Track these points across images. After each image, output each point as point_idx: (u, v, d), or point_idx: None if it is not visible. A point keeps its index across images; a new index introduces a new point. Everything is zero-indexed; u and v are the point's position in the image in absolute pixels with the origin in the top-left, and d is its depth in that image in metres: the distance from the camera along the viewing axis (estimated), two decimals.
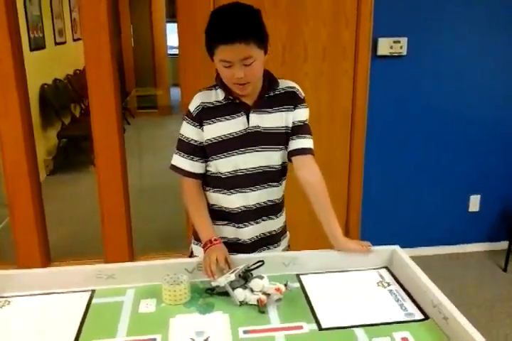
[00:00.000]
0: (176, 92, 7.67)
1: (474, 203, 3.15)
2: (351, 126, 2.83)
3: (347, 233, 2.98)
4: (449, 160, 3.05)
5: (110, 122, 2.61)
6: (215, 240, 1.40)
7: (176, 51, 8.88)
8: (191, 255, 1.61)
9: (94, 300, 1.31)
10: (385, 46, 2.74)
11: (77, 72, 5.97)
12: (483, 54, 2.89)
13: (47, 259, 2.82)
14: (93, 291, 1.35)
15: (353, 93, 2.77)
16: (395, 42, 2.74)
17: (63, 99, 5.28)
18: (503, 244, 3.15)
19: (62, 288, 1.35)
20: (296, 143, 1.45)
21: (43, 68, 4.94)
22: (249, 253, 1.49)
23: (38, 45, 4.69)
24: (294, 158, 1.46)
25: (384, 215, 3.06)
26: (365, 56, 2.72)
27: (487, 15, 2.83)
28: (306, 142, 1.46)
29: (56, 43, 5.38)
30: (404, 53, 2.78)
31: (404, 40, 2.75)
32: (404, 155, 3.00)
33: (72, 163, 5.09)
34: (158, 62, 7.56)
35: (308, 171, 1.45)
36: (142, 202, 3.74)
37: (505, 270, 3.02)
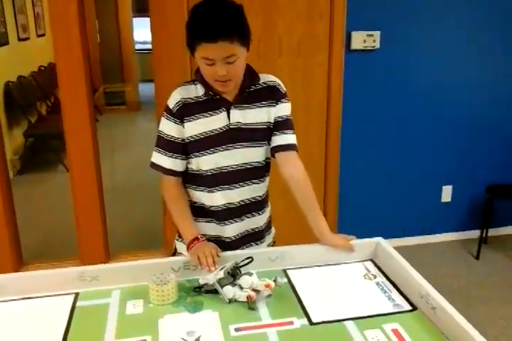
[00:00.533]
0: (144, 88, 7.55)
1: (446, 193, 3.22)
2: (326, 119, 2.85)
3: None
4: (422, 151, 3.11)
5: (82, 119, 2.54)
6: (201, 237, 1.39)
7: (142, 46, 8.76)
8: (175, 252, 1.59)
9: (78, 303, 1.28)
10: (359, 40, 2.76)
11: (42, 68, 5.79)
12: (456, 46, 2.95)
13: (19, 262, 2.74)
14: (77, 294, 1.31)
15: (327, 87, 2.78)
16: (368, 35, 2.76)
17: (29, 96, 5.12)
18: (475, 233, 3.24)
19: (43, 291, 1.31)
20: (280, 139, 1.43)
21: (7, 65, 4.78)
22: (233, 250, 1.47)
23: (0, 41, 4.53)
24: (277, 155, 1.44)
25: (360, 208, 3.10)
26: (339, 50, 2.73)
27: (460, 7, 2.88)
28: (289, 138, 1.44)
29: (19, 39, 5.21)
30: (378, 47, 2.81)
31: (377, 34, 2.78)
32: (378, 148, 3.04)
33: (40, 162, 4.95)
34: (125, 57, 7.42)
35: (292, 168, 1.43)
36: (115, 201, 3.67)
37: (477, 258, 3.10)
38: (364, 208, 3.11)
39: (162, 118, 1.43)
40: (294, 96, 2.72)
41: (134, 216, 3.61)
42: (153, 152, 1.45)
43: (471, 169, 3.21)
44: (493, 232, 3.30)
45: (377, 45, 2.79)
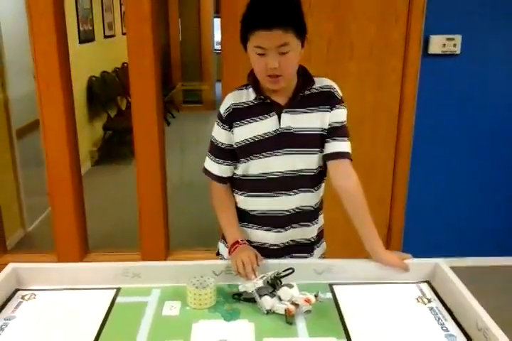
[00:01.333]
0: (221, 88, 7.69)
1: None
2: (397, 128, 2.70)
3: (388, 241, 2.86)
4: (502, 166, 2.87)
5: (150, 117, 2.59)
6: (242, 241, 1.36)
7: None
8: (218, 253, 1.58)
9: (118, 299, 1.28)
10: (438, 44, 2.59)
11: (125, 65, 6.04)
12: None
13: (85, 250, 2.85)
14: (118, 289, 1.32)
15: (400, 93, 2.64)
16: (448, 39, 2.58)
17: (110, 91, 5.37)
18: None
19: (87, 284, 1.33)
20: (332, 147, 1.36)
21: (92, 61, 5.04)
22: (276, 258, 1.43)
23: (87, 37, 4.79)
24: (328, 163, 1.37)
25: (429, 224, 2.91)
26: (416, 54, 2.58)
27: None
28: (342, 145, 1.37)
29: (105, 36, 5.48)
30: (458, 52, 2.62)
31: (458, 38, 2.59)
32: (453, 161, 2.83)
33: (116, 154, 5.17)
34: (204, 57, 7.59)
35: (344, 178, 1.36)
36: (181, 197, 3.74)
37: None
38: (433, 224, 2.91)
39: (215, 123, 1.42)
40: (362, 102, 2.65)
41: (197, 213, 3.65)
42: (206, 157, 1.46)
43: None
44: None
45: (458, 50, 2.61)
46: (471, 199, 2.91)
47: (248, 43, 1.27)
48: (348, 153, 1.38)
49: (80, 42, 4.58)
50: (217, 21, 7.62)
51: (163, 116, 2.77)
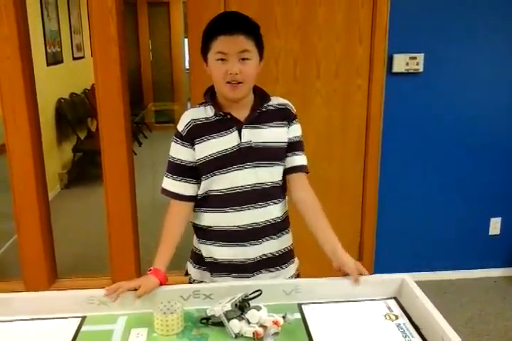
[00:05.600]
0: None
1: (495, 226, 3.01)
2: (365, 144, 2.75)
3: (360, 257, 2.88)
4: (468, 181, 2.93)
5: (119, 138, 2.58)
6: (152, 270, 1.34)
7: None
8: (186, 273, 1.56)
9: (83, 328, 1.25)
10: (401, 63, 2.66)
11: (95, 86, 6.01)
12: (503, 68, 2.79)
13: (53, 277, 2.78)
14: (83, 318, 1.29)
15: (367, 111, 2.70)
16: (411, 58, 2.66)
17: (80, 113, 5.32)
18: None
19: (51, 313, 1.29)
20: (291, 161, 1.43)
21: (60, 82, 4.99)
22: (248, 274, 1.43)
23: (55, 59, 4.75)
24: (288, 176, 1.43)
25: (400, 238, 2.94)
26: (380, 73, 2.65)
27: (508, 29, 2.74)
28: (300, 159, 1.44)
29: (74, 58, 5.45)
30: (421, 70, 2.70)
31: (420, 57, 2.68)
32: (421, 176, 2.89)
33: (86, 176, 5.09)
34: (175, 77, 7.62)
35: (302, 190, 1.42)
36: (153, 219, 3.69)
37: None
38: (404, 239, 2.95)
39: (172, 143, 1.41)
40: (330, 120, 2.70)
41: None
42: (164, 177, 1.44)
43: None
44: None
45: (421, 68, 2.69)
46: (440, 213, 2.97)
47: (209, 52, 1.31)
48: (305, 166, 1.44)
49: (48, 65, 4.54)
50: (187, 41, 7.69)
51: (132, 137, 2.76)
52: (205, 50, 1.33)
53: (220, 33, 1.28)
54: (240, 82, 1.30)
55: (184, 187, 1.41)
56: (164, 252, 1.39)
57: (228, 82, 1.30)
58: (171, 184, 1.42)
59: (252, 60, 1.30)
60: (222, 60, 1.29)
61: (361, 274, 1.33)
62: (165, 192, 1.44)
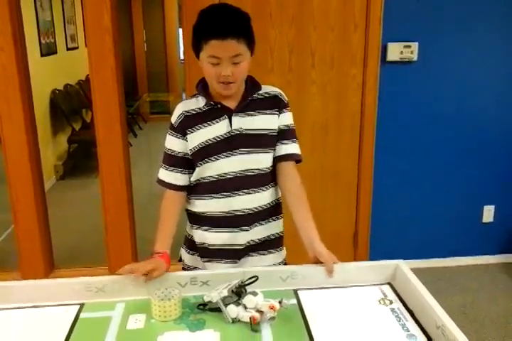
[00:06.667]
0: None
1: (488, 214, 3.04)
2: (360, 133, 2.76)
3: (355, 246, 2.91)
4: (462, 169, 2.96)
5: (114, 129, 2.58)
6: (158, 253, 1.37)
7: None
8: (180, 259, 1.59)
9: (81, 315, 1.26)
10: (395, 51, 2.67)
11: (89, 77, 5.98)
12: (496, 58, 2.80)
13: (50, 267, 2.79)
14: (81, 305, 1.30)
15: (361, 100, 2.70)
16: (405, 47, 2.66)
17: (74, 104, 5.29)
18: None
19: (49, 301, 1.30)
20: (279, 149, 1.43)
21: (54, 73, 4.96)
22: (238, 259, 1.46)
23: (49, 50, 4.72)
24: (276, 165, 1.44)
25: (394, 226, 2.97)
26: (375, 62, 2.65)
27: (502, 19, 2.75)
28: (289, 148, 1.44)
29: (68, 49, 5.41)
30: (415, 59, 2.71)
31: (415, 45, 2.68)
32: (415, 164, 2.91)
33: (81, 168, 5.09)
34: (170, 67, 7.58)
35: (288, 179, 1.44)
36: (150, 209, 3.70)
37: None
38: (398, 228, 2.98)
39: (167, 134, 1.45)
40: (325, 109, 2.70)
41: None
42: (160, 168, 1.48)
43: None
44: None
45: (415, 56, 2.69)
46: (434, 202, 2.99)
47: (202, 52, 1.32)
48: (293, 154, 1.44)
49: (42, 55, 4.51)
50: (182, 32, 7.63)
51: (127, 127, 2.76)
52: (196, 48, 1.34)
53: (211, 37, 1.27)
54: (232, 82, 1.33)
55: (177, 177, 1.44)
56: (164, 238, 1.41)
57: (221, 82, 1.33)
58: (165, 174, 1.46)
59: (244, 61, 1.32)
60: (215, 63, 1.30)
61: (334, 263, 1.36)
62: (160, 182, 1.48)
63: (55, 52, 4.94)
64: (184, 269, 1.55)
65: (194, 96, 1.44)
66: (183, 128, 1.41)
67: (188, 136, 1.40)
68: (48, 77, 4.70)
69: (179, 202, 1.47)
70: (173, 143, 1.43)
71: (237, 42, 1.28)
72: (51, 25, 4.82)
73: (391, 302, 1.30)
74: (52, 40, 4.83)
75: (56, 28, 4.95)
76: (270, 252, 1.51)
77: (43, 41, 4.50)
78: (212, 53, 1.29)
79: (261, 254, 1.50)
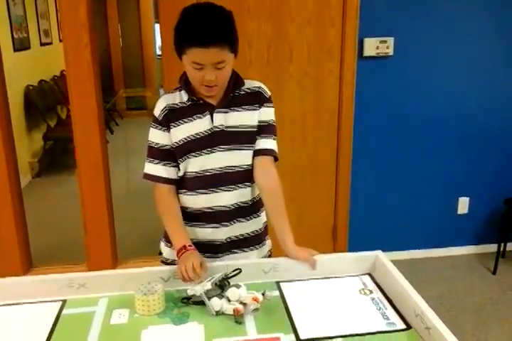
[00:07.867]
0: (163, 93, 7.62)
1: (463, 205, 3.12)
2: (338, 127, 2.79)
3: (334, 238, 2.95)
4: (437, 162, 3.02)
5: (91, 125, 2.55)
6: (189, 246, 1.36)
7: None
8: (160, 253, 1.59)
9: (64, 311, 1.26)
10: (371, 46, 2.70)
11: (64, 73, 5.88)
12: (471, 53, 2.86)
13: (28, 266, 2.75)
14: (64, 301, 1.30)
15: (339, 94, 2.73)
16: (381, 42, 2.70)
17: (49, 100, 5.20)
18: (492, 247, 3.12)
19: (31, 298, 1.30)
20: (257, 144, 1.43)
21: (28, 69, 4.87)
22: (219, 254, 1.46)
23: (22, 45, 4.62)
24: (253, 160, 1.43)
25: (372, 218, 3.03)
26: (351, 57, 2.68)
27: (476, 15, 2.80)
28: (266, 143, 1.43)
29: (42, 44, 5.31)
30: (391, 53, 2.75)
31: (390, 40, 2.72)
32: (391, 157, 2.96)
33: (57, 165, 5.02)
34: (146, 62, 7.51)
35: (263, 175, 1.42)
36: (128, 206, 3.68)
37: (494, 273, 2.99)
38: (376, 220, 3.03)
39: (150, 128, 1.43)
40: (303, 103, 2.72)
41: (146, 221, 3.60)
42: (145, 163, 1.45)
43: (489, 181, 3.10)
44: (511, 246, 3.18)
45: (391, 51, 2.73)
46: (411, 194, 3.05)
47: (184, 56, 1.30)
48: (270, 150, 1.43)
49: (15, 51, 4.42)
50: (158, 27, 7.56)
51: (104, 123, 2.73)
52: (179, 50, 1.31)
53: (194, 44, 1.25)
54: (215, 85, 1.33)
55: (165, 170, 1.43)
56: (180, 232, 1.39)
57: (204, 85, 1.32)
58: (153, 168, 1.44)
59: (227, 65, 1.31)
60: (198, 68, 1.29)
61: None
62: (147, 176, 1.45)
63: (29, 48, 4.84)
64: (163, 262, 1.54)
65: (177, 89, 1.43)
66: (167, 122, 1.40)
67: (171, 130, 1.40)
68: (22, 72, 4.61)
69: (173, 193, 1.45)
70: (158, 136, 1.42)
71: (220, 51, 1.26)
72: (24, 20, 4.72)
73: (371, 292, 1.33)
74: (26, 35, 4.73)
75: (29, 23, 4.85)
76: (252, 249, 1.52)
77: (15, 36, 4.41)
78: (194, 60, 1.27)
79: (244, 251, 1.50)
